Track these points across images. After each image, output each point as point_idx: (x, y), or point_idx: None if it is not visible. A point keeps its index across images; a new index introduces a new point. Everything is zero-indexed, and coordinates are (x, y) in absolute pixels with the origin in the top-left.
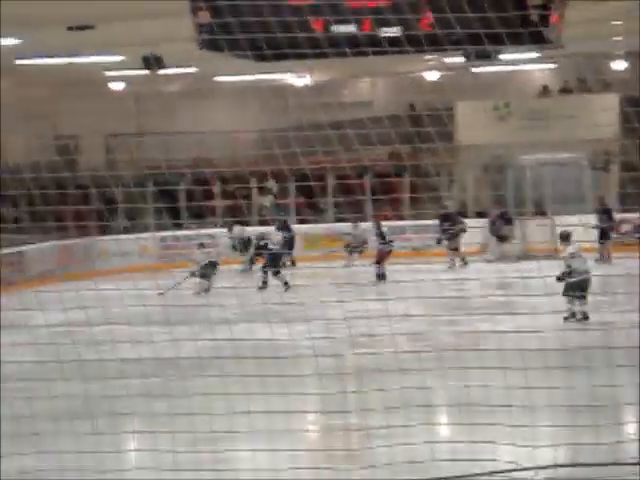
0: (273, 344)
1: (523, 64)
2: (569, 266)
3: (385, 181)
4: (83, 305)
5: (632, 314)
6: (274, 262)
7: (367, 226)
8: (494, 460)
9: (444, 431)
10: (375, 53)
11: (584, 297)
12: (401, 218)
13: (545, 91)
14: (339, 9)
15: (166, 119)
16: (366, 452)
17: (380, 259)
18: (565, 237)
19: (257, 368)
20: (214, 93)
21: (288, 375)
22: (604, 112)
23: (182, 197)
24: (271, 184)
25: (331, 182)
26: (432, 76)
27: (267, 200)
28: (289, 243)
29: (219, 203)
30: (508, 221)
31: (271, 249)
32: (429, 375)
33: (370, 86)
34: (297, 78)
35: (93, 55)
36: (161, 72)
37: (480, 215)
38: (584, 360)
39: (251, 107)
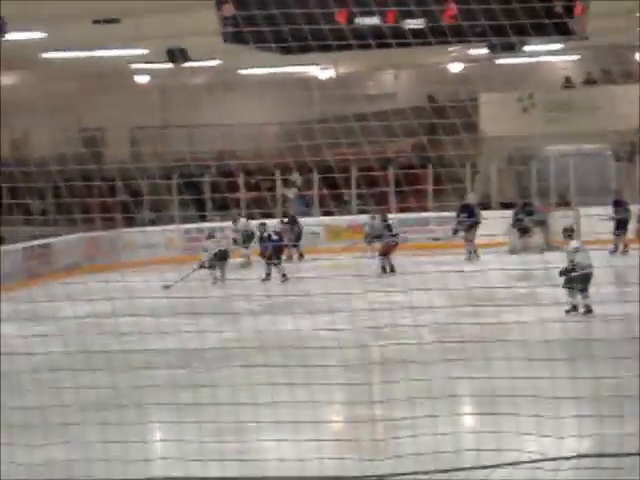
0: (298, 335)
1: (547, 55)
2: (572, 261)
3: (409, 173)
4: (110, 297)
5: None
6: (276, 253)
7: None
8: (518, 450)
9: (469, 422)
10: (399, 45)
11: (586, 290)
12: (425, 209)
13: (568, 82)
14: (363, 1)
15: (191, 112)
16: (391, 443)
17: (386, 252)
18: (569, 232)
19: (282, 359)
20: (238, 86)
21: (313, 365)
22: (628, 103)
23: (207, 189)
24: (295, 176)
25: (354, 174)
26: (456, 68)
27: (291, 192)
28: (296, 236)
29: (243, 195)
30: (530, 213)
31: (274, 240)
32: (454, 366)
33: (394, 78)
34: (321, 70)
35: (118, 48)
36: (186, 65)
37: (504, 206)
38: (607, 351)
39: (275, 100)
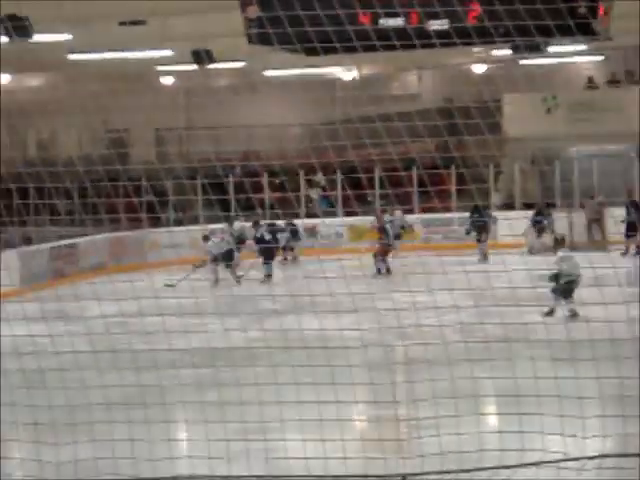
0: (322, 335)
1: (571, 56)
2: (558, 269)
3: (432, 173)
4: (136, 296)
5: None
6: (267, 254)
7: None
8: (542, 451)
9: (492, 421)
10: (423, 46)
11: (570, 296)
12: (448, 210)
13: (590, 82)
14: (387, 2)
15: (216, 113)
16: (414, 442)
17: (381, 254)
18: (559, 241)
19: (307, 359)
20: (263, 87)
21: (337, 365)
22: None
23: (231, 190)
24: (319, 177)
25: (378, 174)
26: (480, 69)
27: (315, 193)
28: (287, 238)
29: (268, 196)
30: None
31: (266, 241)
32: (477, 366)
33: (417, 79)
34: (345, 72)
35: (144, 50)
36: (211, 66)
37: (528, 207)
38: (631, 351)
39: (299, 101)
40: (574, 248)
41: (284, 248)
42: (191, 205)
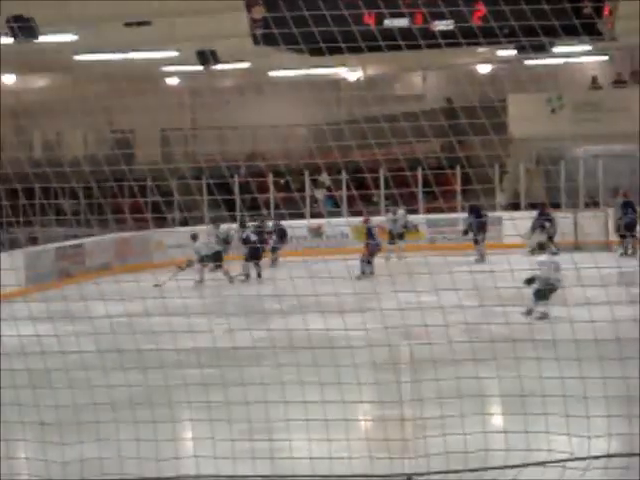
0: (327, 335)
1: (576, 57)
2: (536, 274)
3: (437, 173)
4: (142, 296)
5: None
6: (253, 255)
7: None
8: (548, 450)
9: (498, 421)
10: (428, 46)
11: (545, 299)
12: (454, 210)
13: (594, 82)
14: (392, 2)
15: (221, 113)
16: (420, 442)
17: (368, 255)
18: (540, 246)
19: (312, 358)
20: (268, 87)
21: (342, 365)
22: None
23: (237, 190)
24: (324, 177)
25: (383, 174)
26: (484, 69)
27: (320, 193)
28: (281, 237)
29: (273, 196)
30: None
31: (252, 241)
32: (482, 366)
33: (422, 79)
34: (349, 72)
35: (149, 51)
36: (216, 67)
37: (533, 207)
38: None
39: (304, 101)
40: (578, 248)
41: (273, 249)
42: (197, 205)
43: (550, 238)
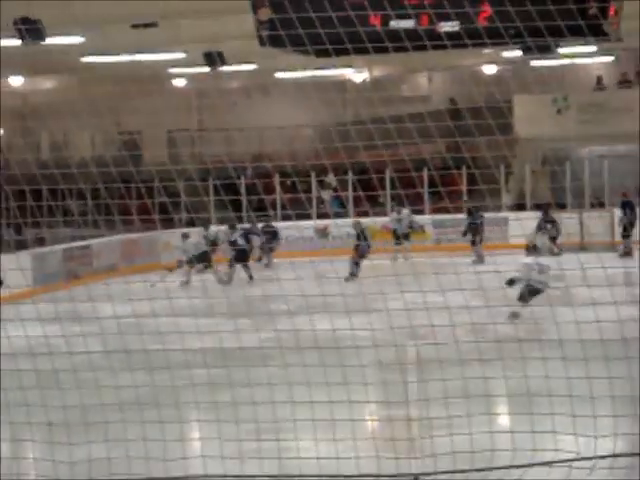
0: (334, 335)
1: (582, 57)
2: (516, 276)
3: (443, 174)
4: (150, 297)
5: None
6: (240, 258)
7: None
8: (554, 450)
9: (504, 421)
10: (434, 47)
11: (524, 300)
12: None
13: (599, 82)
14: (398, 4)
15: (227, 115)
16: (427, 442)
17: (360, 257)
18: (532, 248)
19: (318, 359)
20: (275, 88)
21: (349, 365)
22: None
23: (243, 191)
24: (330, 178)
25: (389, 175)
26: (490, 70)
27: (326, 193)
28: (273, 237)
29: (279, 197)
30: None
31: (239, 244)
32: (488, 366)
33: (428, 80)
34: (355, 73)
35: (156, 53)
36: (223, 69)
37: (538, 208)
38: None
39: (311, 102)
40: (584, 248)
41: (262, 249)
42: (204, 206)
43: (553, 239)
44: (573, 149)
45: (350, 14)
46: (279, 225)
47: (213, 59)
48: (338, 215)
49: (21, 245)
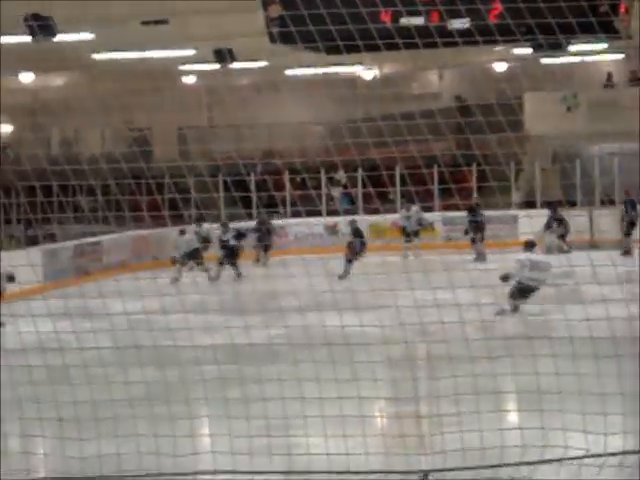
0: (344, 332)
1: (592, 55)
2: (510, 272)
3: (453, 170)
4: (160, 293)
5: None
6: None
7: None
8: (564, 447)
9: (513, 418)
10: (445, 45)
11: (519, 298)
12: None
13: (609, 79)
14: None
15: (238, 111)
16: (436, 439)
17: (353, 254)
18: (528, 245)
19: (328, 355)
20: (284, 85)
21: (359, 361)
22: None
23: (253, 187)
24: (340, 174)
25: (399, 172)
26: (500, 67)
27: (336, 190)
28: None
29: (289, 193)
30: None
31: (230, 244)
32: (497, 363)
33: (438, 77)
34: (366, 70)
35: (167, 49)
36: (233, 65)
37: (548, 205)
38: None
39: (320, 99)
40: (594, 246)
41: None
42: (214, 203)
43: (562, 237)
44: (583, 147)
45: (361, 11)
46: (290, 221)
47: (223, 56)
48: (348, 212)
49: (32, 241)
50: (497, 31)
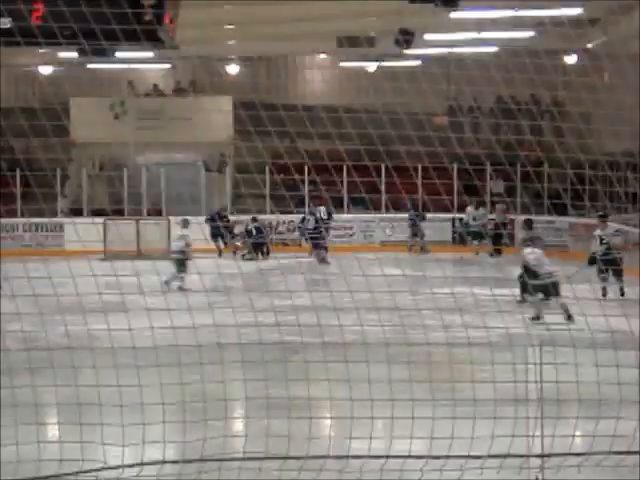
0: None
1: (140, 63)
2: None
3: None
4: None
5: None
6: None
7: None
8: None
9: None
10: None
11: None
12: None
13: (156, 90)
14: None
15: None
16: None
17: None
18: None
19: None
20: None
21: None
22: (219, 114)
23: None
24: None
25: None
26: (46, 70)
27: None
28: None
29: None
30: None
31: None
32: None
33: None
34: None
35: None
36: None
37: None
38: None
39: None
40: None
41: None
42: None
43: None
44: (131, 155)
45: None
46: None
47: None
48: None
49: None
50: (40, 33)
